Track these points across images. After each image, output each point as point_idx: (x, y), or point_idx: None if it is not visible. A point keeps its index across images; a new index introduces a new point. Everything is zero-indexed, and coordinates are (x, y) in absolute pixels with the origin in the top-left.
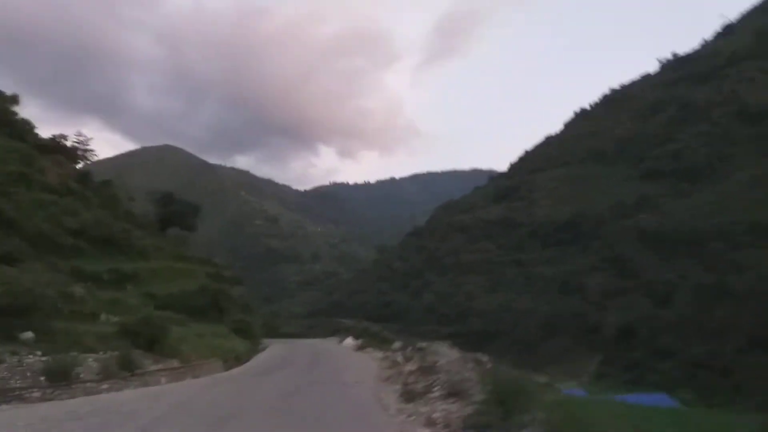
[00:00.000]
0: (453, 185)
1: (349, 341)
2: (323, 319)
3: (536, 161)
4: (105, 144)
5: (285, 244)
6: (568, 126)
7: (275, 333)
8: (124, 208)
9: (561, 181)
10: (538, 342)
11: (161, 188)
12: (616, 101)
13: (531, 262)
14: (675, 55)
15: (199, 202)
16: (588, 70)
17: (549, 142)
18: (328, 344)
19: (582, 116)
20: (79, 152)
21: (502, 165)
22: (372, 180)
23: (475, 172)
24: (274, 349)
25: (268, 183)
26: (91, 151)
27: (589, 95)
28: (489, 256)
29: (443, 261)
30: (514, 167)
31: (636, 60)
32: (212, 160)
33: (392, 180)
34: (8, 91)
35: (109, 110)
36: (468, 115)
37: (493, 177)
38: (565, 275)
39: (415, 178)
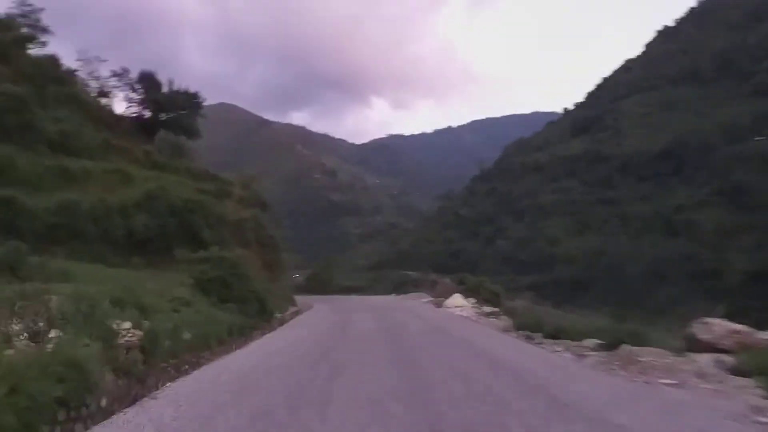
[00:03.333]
0: (514, 130)
1: (457, 301)
2: (387, 271)
3: (618, 88)
4: None
5: (345, 198)
6: (651, 46)
7: (327, 288)
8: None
9: (651, 107)
10: (643, 290)
11: (221, 146)
12: (706, 14)
13: (624, 200)
14: None
15: (259, 158)
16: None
17: (629, 66)
18: (402, 307)
19: (666, 34)
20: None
21: (564, 106)
22: (429, 130)
23: (536, 115)
24: (294, 332)
25: (324, 137)
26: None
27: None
28: (572, 196)
29: (518, 204)
30: (592, 96)
31: None
32: (268, 116)
33: (449, 129)
34: (69, 60)
35: (164, 73)
36: (525, 56)
37: (567, 110)
38: (669, 212)
39: (474, 125)
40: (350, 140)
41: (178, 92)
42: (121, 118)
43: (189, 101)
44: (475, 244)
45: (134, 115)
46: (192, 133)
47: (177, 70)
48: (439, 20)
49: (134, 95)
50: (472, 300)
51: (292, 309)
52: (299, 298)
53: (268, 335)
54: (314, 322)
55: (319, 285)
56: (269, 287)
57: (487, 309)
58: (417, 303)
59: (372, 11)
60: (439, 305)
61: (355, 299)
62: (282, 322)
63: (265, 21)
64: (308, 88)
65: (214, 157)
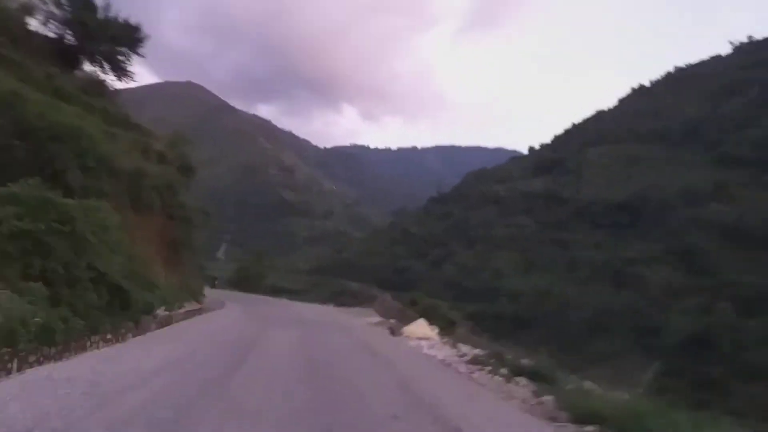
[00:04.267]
0: (476, 160)
1: (421, 329)
2: (329, 278)
3: (586, 135)
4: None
5: (298, 198)
6: (624, 102)
7: (256, 286)
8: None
9: (616, 159)
10: (582, 337)
11: (182, 124)
12: (682, 80)
13: (576, 244)
14: (751, 39)
15: (217, 143)
16: (630, 57)
17: (601, 116)
18: (343, 326)
19: (641, 92)
20: None
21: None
22: (393, 146)
23: (499, 151)
24: (161, 349)
25: (288, 135)
26: None
27: (634, 79)
28: (526, 232)
29: (471, 232)
30: (560, 139)
31: (697, 44)
32: (235, 104)
33: (414, 149)
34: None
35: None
36: (497, 92)
37: (533, 148)
38: (619, 263)
39: (438, 150)
40: (314, 142)
41: (114, 20)
42: (32, 35)
43: (127, 34)
44: (421, 265)
45: (53, 36)
46: (123, 73)
47: (150, 34)
48: (423, 42)
49: (57, 12)
50: (434, 329)
51: (190, 306)
52: (215, 293)
53: (111, 348)
54: (208, 333)
55: (248, 281)
56: (157, 272)
57: (465, 348)
58: (363, 323)
59: (361, 22)
60: (394, 332)
61: (284, 303)
62: (163, 324)
63: (253, 7)
64: (281, 82)
65: (168, 131)
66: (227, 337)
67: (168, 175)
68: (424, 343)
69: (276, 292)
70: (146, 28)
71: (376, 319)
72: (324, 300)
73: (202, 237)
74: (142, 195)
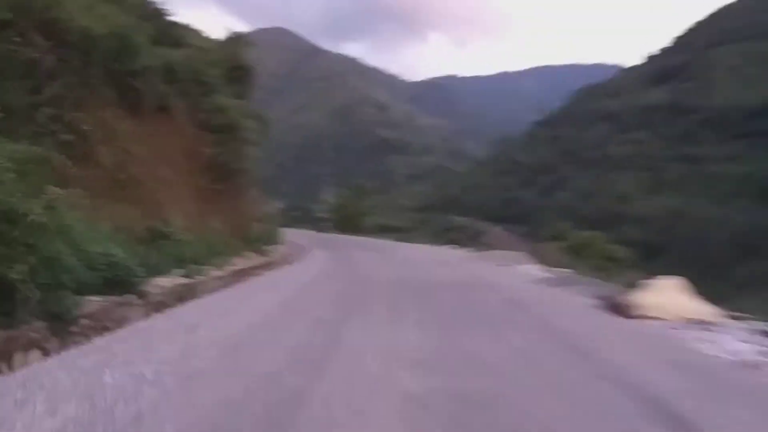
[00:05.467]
0: (574, 80)
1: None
2: (435, 214)
3: (711, 35)
4: (221, 27)
5: (394, 135)
6: None
7: (357, 227)
8: None
9: (749, 59)
10: (726, 261)
11: (271, 71)
12: None
13: (709, 158)
14: None
15: (309, 87)
16: None
17: (728, 11)
18: (489, 288)
19: None
20: None
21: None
22: (485, 73)
23: (600, 67)
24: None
25: (377, 72)
26: None
27: None
28: (647, 149)
29: (583, 154)
30: (682, 41)
31: None
32: (322, 45)
33: (507, 74)
34: None
35: None
36: (595, 5)
37: (651, 55)
38: (763, 177)
39: (534, 72)
40: (404, 77)
41: None
42: None
43: None
44: (532, 194)
45: None
46: None
47: None
48: None
49: None
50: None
51: (245, 262)
52: (306, 237)
53: None
54: (224, 338)
55: (349, 222)
56: (176, 210)
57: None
58: (525, 281)
59: None
60: (621, 308)
61: (389, 248)
62: (158, 307)
63: None
64: (366, 18)
65: (263, 81)
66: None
67: (198, 64)
68: (702, 333)
69: (380, 231)
70: None
71: (538, 270)
72: (433, 238)
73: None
74: (144, 88)
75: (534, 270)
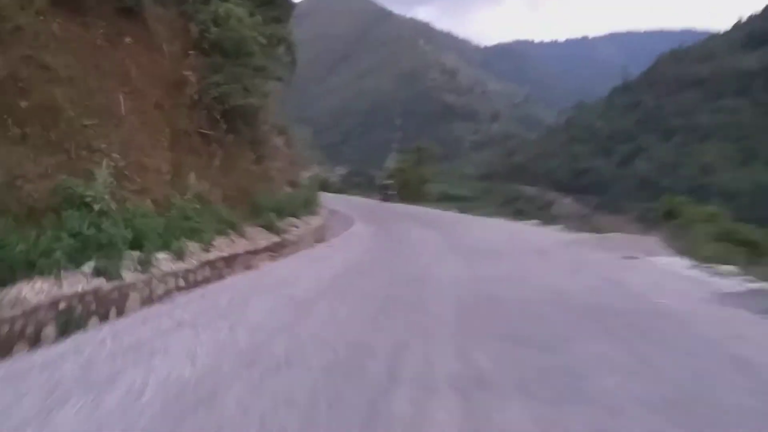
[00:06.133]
0: (659, 46)
1: None
2: (500, 183)
3: None
4: None
5: (462, 101)
6: None
7: (419, 195)
8: None
9: None
10: None
11: (340, 35)
12: None
13: None
14: None
15: (378, 52)
16: None
17: None
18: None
19: None
20: None
21: (721, 24)
22: (561, 38)
23: (688, 33)
24: None
25: (448, 36)
26: None
27: None
28: (739, 118)
29: (667, 122)
30: None
31: None
32: (392, 8)
33: (584, 39)
34: None
35: None
36: None
37: (749, 18)
38: None
39: (612, 38)
40: (475, 42)
41: None
42: None
43: None
44: (607, 163)
45: None
46: None
47: None
48: None
49: None
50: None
51: (250, 243)
52: (357, 206)
53: None
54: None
55: (409, 189)
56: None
57: None
58: (743, 314)
59: None
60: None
61: (453, 222)
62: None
63: None
64: None
65: (330, 45)
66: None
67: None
68: None
69: (442, 200)
70: None
71: (696, 270)
72: (499, 208)
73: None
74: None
75: (689, 269)
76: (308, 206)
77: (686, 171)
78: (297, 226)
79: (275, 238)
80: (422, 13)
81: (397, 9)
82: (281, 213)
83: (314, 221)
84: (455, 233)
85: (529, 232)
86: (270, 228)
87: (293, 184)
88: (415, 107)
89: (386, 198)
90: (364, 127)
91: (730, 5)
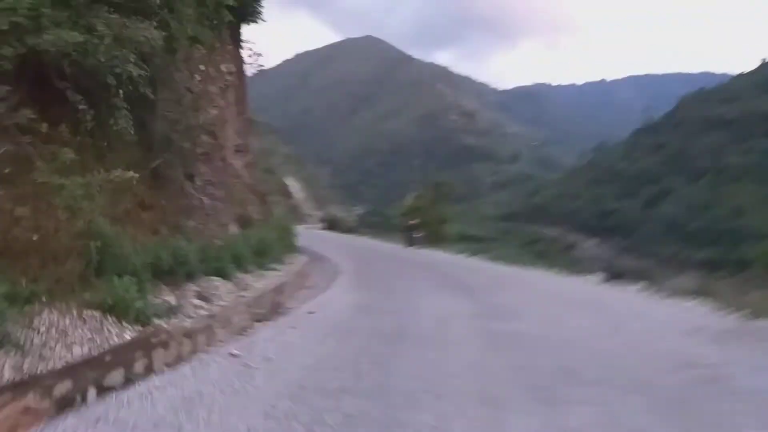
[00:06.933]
0: (678, 89)
1: None
2: (520, 224)
3: None
4: (312, 36)
5: (481, 142)
6: None
7: (439, 236)
8: None
9: None
10: None
11: (362, 78)
12: None
13: None
14: None
15: (398, 94)
16: None
17: None
18: None
19: None
20: None
21: (738, 67)
22: (579, 81)
23: (706, 77)
24: None
25: (466, 80)
26: None
27: None
28: None
29: (694, 163)
30: None
31: None
32: (412, 53)
33: (602, 82)
34: None
35: (316, 2)
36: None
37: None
38: None
39: (631, 81)
40: (493, 85)
41: None
42: None
43: None
44: (633, 205)
45: None
46: None
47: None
48: None
49: None
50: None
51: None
52: (356, 248)
53: None
54: None
55: (428, 231)
56: None
57: None
58: None
59: None
60: None
61: (490, 286)
62: None
63: None
64: (456, 26)
65: (352, 89)
66: None
67: None
68: None
69: (461, 240)
70: None
71: None
72: (520, 251)
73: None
74: None
75: None
76: (266, 254)
77: (716, 213)
78: (212, 296)
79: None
80: (441, 58)
81: (417, 54)
82: (191, 271)
83: (265, 281)
84: (503, 308)
85: (619, 304)
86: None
87: (244, 221)
88: (435, 148)
89: (411, 242)
90: (384, 168)
91: (747, 48)
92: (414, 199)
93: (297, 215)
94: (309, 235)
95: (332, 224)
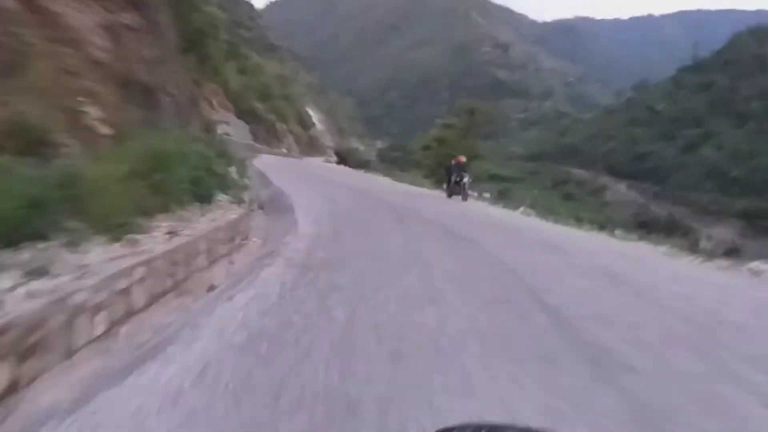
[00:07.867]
0: (729, 27)
1: None
2: (548, 164)
3: None
4: None
5: (513, 77)
6: None
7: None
8: None
9: None
10: None
11: (389, 5)
12: None
13: None
14: None
15: (429, 23)
16: None
17: None
18: None
19: None
20: None
21: None
22: (625, 16)
23: (762, 14)
24: None
25: (503, 10)
26: None
27: None
28: None
29: (743, 106)
30: None
31: None
32: None
33: (650, 17)
34: None
35: None
36: None
37: None
38: None
39: (681, 16)
40: (532, 16)
41: None
42: None
43: None
44: (670, 149)
45: None
46: None
47: None
48: None
49: None
50: None
51: None
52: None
53: None
54: None
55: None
56: None
57: None
58: None
59: None
60: None
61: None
62: None
63: None
64: None
65: (380, 17)
66: None
67: None
68: None
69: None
70: None
71: None
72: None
73: None
74: None
75: None
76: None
77: (761, 160)
78: None
79: None
80: None
81: None
82: None
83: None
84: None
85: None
86: None
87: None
88: (464, 81)
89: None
90: (410, 101)
91: None
92: (441, 128)
93: (316, 147)
94: (304, 171)
95: (344, 159)
